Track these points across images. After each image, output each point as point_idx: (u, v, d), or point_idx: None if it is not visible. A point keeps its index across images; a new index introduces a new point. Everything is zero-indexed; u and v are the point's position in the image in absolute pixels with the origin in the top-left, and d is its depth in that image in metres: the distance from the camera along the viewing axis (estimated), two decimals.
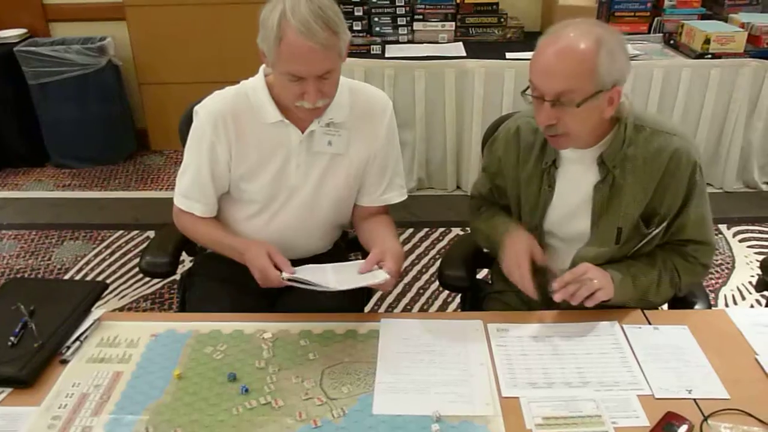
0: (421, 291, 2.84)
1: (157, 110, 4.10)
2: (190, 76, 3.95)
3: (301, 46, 1.34)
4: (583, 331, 1.40)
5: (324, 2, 1.37)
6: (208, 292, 1.66)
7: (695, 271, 1.53)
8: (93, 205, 3.62)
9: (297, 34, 1.33)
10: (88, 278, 2.93)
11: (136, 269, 2.89)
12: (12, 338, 1.31)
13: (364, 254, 1.51)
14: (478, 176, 1.72)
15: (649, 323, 1.43)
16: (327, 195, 1.60)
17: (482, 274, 2.20)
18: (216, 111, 1.52)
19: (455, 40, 3.67)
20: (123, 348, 1.36)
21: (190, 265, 1.83)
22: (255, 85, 1.54)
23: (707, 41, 3.29)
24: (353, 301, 1.67)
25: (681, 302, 1.58)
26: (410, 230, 3.26)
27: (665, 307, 1.59)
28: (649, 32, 3.64)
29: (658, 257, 1.51)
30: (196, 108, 1.56)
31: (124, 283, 2.90)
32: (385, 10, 3.62)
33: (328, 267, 1.48)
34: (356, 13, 3.58)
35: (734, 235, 3.22)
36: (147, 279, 2.84)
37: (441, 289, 2.74)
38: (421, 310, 2.71)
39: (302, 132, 1.53)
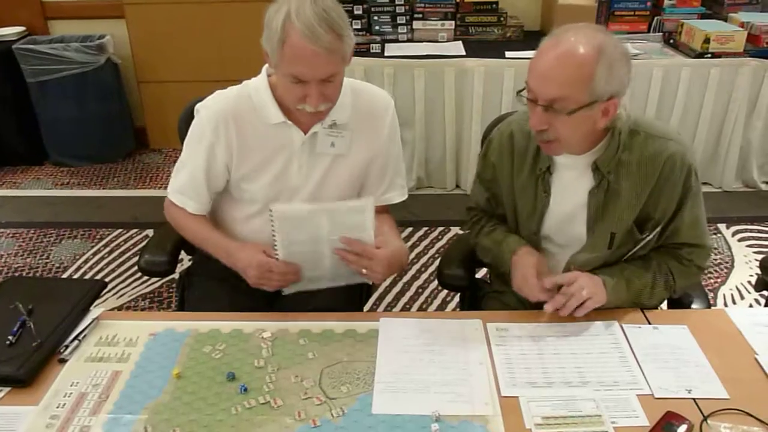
0: (420, 290, 2.84)
1: (156, 108, 4.10)
2: (189, 74, 3.95)
3: (304, 50, 1.32)
4: (583, 330, 1.40)
5: (329, 5, 1.35)
6: (207, 292, 1.66)
7: (690, 273, 1.53)
8: (91, 203, 3.62)
9: (301, 37, 1.31)
10: (87, 277, 2.92)
11: (135, 268, 2.88)
12: (10, 337, 1.31)
13: None
14: (474, 186, 1.70)
15: (649, 323, 1.43)
16: (328, 195, 1.59)
17: (481, 273, 2.20)
18: (217, 111, 1.51)
19: (455, 39, 3.67)
20: (121, 347, 1.36)
21: (189, 264, 1.83)
22: (258, 86, 1.52)
23: (707, 41, 3.30)
24: (352, 301, 1.67)
25: (680, 302, 1.58)
26: (409, 229, 3.26)
27: (665, 306, 1.59)
28: (648, 31, 3.64)
29: (653, 260, 1.51)
30: (198, 106, 1.55)
31: (123, 281, 2.90)
32: (385, 9, 3.62)
33: (324, 221, 1.40)
34: (356, 12, 3.58)
35: (733, 234, 3.23)
36: (146, 278, 2.83)
37: (440, 288, 2.73)
38: (420, 309, 2.71)
39: (305, 133, 1.52)
